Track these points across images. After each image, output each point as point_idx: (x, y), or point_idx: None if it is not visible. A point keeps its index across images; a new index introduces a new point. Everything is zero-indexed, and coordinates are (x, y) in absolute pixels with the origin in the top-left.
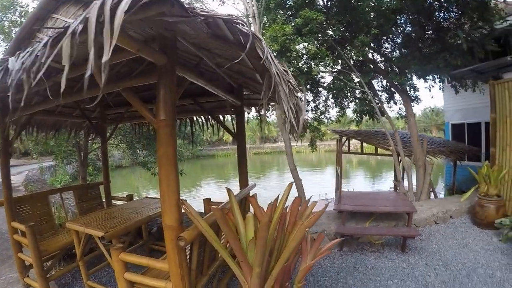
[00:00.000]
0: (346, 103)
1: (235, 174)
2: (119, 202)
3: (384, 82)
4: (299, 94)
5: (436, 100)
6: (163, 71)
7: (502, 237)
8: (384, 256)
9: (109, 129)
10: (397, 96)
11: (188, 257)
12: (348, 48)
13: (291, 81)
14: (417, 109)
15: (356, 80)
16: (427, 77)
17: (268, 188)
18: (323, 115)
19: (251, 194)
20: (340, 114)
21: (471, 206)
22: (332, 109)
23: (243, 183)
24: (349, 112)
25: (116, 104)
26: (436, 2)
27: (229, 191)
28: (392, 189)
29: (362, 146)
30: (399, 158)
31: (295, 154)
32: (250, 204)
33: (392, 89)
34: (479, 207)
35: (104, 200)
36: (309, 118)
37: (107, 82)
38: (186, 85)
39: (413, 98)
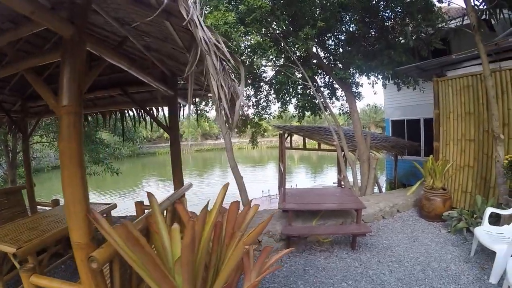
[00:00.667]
0: (288, 98)
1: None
2: (47, 208)
3: (327, 78)
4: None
5: (375, 98)
6: (68, 46)
7: (450, 229)
8: (335, 256)
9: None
10: (339, 92)
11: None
12: (292, 41)
13: (227, 57)
14: (358, 106)
15: (299, 76)
16: (371, 74)
17: (209, 185)
18: (264, 111)
19: (186, 196)
20: (282, 109)
21: (418, 200)
22: (274, 104)
23: (178, 183)
24: (291, 108)
25: (39, 96)
26: (381, 2)
27: (150, 196)
28: (336, 184)
29: (304, 142)
30: (343, 153)
31: (237, 150)
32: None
33: (335, 85)
34: (426, 200)
35: (28, 206)
36: (250, 114)
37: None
38: (102, 67)
39: (355, 94)
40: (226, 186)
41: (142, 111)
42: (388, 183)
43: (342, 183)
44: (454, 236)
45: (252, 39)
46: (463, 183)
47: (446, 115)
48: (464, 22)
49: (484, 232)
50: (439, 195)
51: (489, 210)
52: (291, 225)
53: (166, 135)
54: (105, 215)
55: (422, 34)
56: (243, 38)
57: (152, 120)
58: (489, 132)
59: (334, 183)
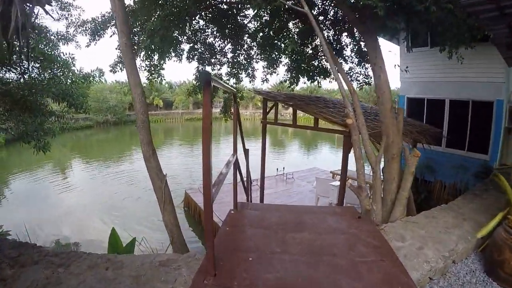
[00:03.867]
0: (277, 56)
1: (168, 141)
2: None
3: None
4: None
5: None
6: None
7: None
8: None
9: None
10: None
11: None
12: None
13: None
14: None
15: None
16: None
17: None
18: (243, 72)
19: None
20: (269, 71)
21: (490, 244)
22: (257, 62)
23: None
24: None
25: None
26: None
27: None
28: (334, 180)
29: (295, 116)
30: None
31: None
32: None
33: (344, 41)
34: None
35: None
36: (222, 74)
37: None
38: None
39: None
40: None
41: None
42: None
43: (349, 183)
44: None
45: None
46: None
47: None
48: None
49: None
50: None
51: None
52: None
53: (156, 102)
54: None
55: None
56: None
57: None
58: None
59: (332, 172)
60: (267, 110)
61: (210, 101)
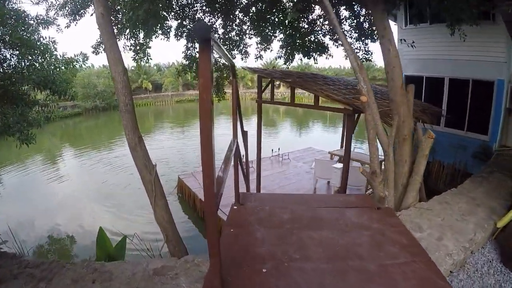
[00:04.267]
0: (271, 32)
1: (159, 125)
2: None
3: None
4: None
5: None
6: None
7: None
8: None
9: None
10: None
11: None
12: None
13: None
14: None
15: None
16: None
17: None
18: (235, 49)
19: None
20: (263, 47)
21: (507, 234)
22: (250, 38)
23: None
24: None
25: None
26: None
27: None
28: (336, 165)
29: (293, 94)
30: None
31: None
32: None
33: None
34: None
35: None
36: None
37: None
38: None
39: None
40: None
41: None
42: None
43: (362, 169)
44: None
45: None
46: None
47: None
48: None
49: None
50: None
51: None
52: None
53: (145, 85)
54: None
55: None
56: None
57: None
58: None
59: (330, 153)
60: (262, 89)
61: (211, 70)
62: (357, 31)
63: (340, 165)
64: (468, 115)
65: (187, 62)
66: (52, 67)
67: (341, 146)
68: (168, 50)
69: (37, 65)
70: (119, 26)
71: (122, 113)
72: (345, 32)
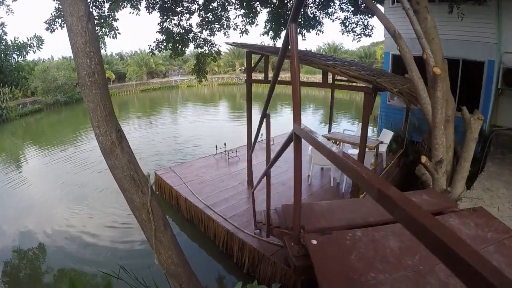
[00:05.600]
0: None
1: (124, 115)
2: None
3: None
4: None
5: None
6: None
7: None
8: None
9: None
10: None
11: None
12: None
13: None
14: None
15: None
16: None
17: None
18: (217, 23)
19: None
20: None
21: None
22: (236, 9)
23: None
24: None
25: None
26: None
27: None
28: (351, 151)
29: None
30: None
31: (186, 89)
32: None
33: None
34: None
35: None
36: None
37: None
38: None
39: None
40: None
41: None
42: (393, 139)
43: (425, 158)
44: None
45: None
46: None
47: None
48: None
49: None
50: None
51: None
52: None
53: (108, 75)
54: None
55: None
56: None
57: None
58: None
59: (328, 138)
60: (252, 65)
61: None
62: (352, 4)
63: (355, 151)
64: (458, 95)
65: (163, 37)
66: (2, 55)
67: (329, 130)
68: (129, 38)
69: None
70: None
71: (86, 90)
72: (341, 5)
